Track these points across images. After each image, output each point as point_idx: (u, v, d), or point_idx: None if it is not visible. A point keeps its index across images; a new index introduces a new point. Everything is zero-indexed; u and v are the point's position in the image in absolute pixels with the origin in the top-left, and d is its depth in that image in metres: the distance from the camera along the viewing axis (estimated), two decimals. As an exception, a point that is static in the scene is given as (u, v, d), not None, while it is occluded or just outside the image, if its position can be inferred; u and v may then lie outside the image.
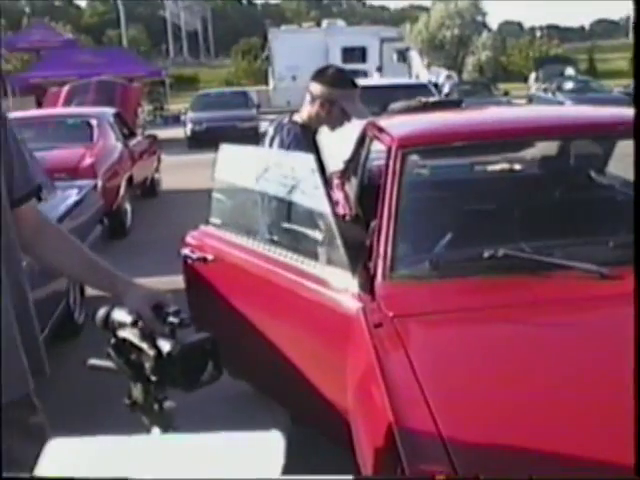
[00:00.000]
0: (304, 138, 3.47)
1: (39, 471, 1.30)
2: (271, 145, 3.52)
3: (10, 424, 1.66)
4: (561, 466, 1.71)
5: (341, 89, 3.51)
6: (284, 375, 3.11)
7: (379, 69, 26.94)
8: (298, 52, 31.03)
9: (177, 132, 21.21)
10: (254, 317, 3.28)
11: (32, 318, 1.80)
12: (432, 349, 2.35)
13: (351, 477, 1.51)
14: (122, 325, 1.82)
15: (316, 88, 3.53)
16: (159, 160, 13.11)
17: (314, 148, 3.49)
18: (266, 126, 3.94)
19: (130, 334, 1.79)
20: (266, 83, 37.21)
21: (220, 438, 1.41)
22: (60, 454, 1.36)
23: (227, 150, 3.69)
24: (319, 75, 3.60)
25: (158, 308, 1.82)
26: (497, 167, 4.13)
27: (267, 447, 1.36)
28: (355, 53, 31.39)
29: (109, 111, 11.44)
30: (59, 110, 14.22)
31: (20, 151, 1.79)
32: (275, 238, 3.30)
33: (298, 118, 3.58)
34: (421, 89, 11.85)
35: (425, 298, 2.61)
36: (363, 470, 2.13)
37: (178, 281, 4.10)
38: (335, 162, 5.02)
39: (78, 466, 1.31)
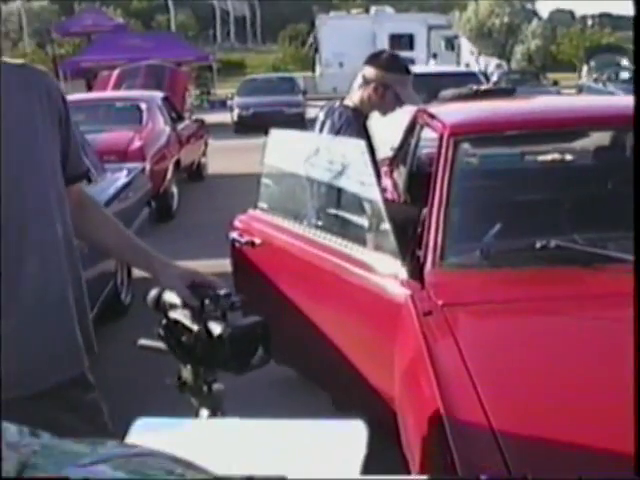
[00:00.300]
0: (355, 122, 3.46)
1: None
2: (321, 130, 3.51)
3: (66, 402, 1.69)
4: (609, 464, 1.68)
5: (396, 74, 3.51)
6: (329, 361, 3.10)
7: (434, 56, 26.69)
8: (345, 39, 30.93)
9: (224, 117, 21.28)
10: (300, 302, 3.28)
11: (84, 297, 1.82)
12: (482, 339, 2.33)
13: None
14: (173, 306, 1.83)
15: (370, 72, 3.52)
16: (206, 144, 13.18)
17: (365, 133, 3.48)
18: (312, 112, 3.94)
19: (181, 315, 1.80)
20: (313, 69, 37.16)
21: (303, 425, 1.41)
22: (145, 433, 1.37)
23: (277, 135, 3.69)
24: (374, 59, 3.60)
25: (204, 290, 1.82)
26: (548, 157, 4.07)
27: (350, 436, 1.35)
28: (403, 40, 31.16)
29: (158, 95, 11.52)
30: (109, 94, 14.35)
31: (74, 133, 1.83)
32: (323, 223, 3.29)
33: (349, 102, 3.57)
34: (470, 77, 11.73)
35: (475, 287, 2.58)
36: (410, 459, 2.12)
37: (224, 264, 4.12)
38: (383, 149, 4.99)
39: (162, 447, 1.32)
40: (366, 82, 3.52)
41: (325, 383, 3.43)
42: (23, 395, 1.57)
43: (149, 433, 1.40)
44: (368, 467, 1.34)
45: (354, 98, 3.57)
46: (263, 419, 1.48)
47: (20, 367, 1.60)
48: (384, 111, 3.60)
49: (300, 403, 3.70)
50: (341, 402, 3.38)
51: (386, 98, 3.52)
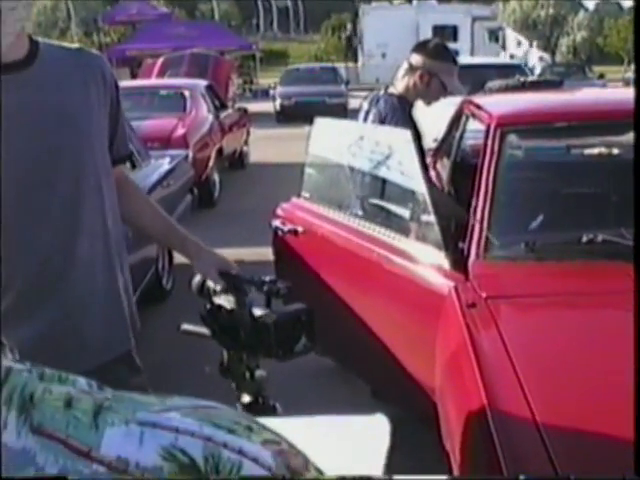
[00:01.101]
0: (401, 110, 3.44)
1: None
2: (366, 119, 3.50)
3: (114, 381, 1.71)
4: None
5: (443, 62, 3.50)
6: (369, 351, 3.10)
7: (503, 47, 26.22)
8: (388, 29, 30.81)
9: (266, 106, 21.35)
10: (342, 291, 3.28)
11: (128, 277, 1.85)
12: (526, 332, 2.31)
13: (445, 477, 1.50)
14: (217, 292, 1.84)
15: (417, 59, 3.50)
16: (248, 133, 13.23)
17: (411, 121, 3.46)
18: (355, 103, 3.95)
19: (225, 301, 1.80)
20: (355, 60, 37.06)
21: (325, 420, 1.41)
22: None
23: (322, 123, 3.68)
24: (421, 47, 3.60)
25: (236, 279, 1.83)
26: (595, 150, 4.01)
27: (373, 430, 1.35)
28: (446, 31, 30.91)
29: (201, 83, 11.58)
30: (154, 81, 14.47)
31: (123, 116, 1.87)
32: (367, 212, 3.28)
33: (394, 90, 3.56)
34: (515, 69, 11.63)
35: (520, 280, 2.56)
36: (450, 451, 2.11)
37: (265, 252, 4.13)
38: (426, 140, 4.96)
39: None
40: (412, 69, 3.51)
41: (364, 373, 3.43)
42: (75, 370, 1.61)
43: None
44: (405, 458, 1.34)
45: (399, 86, 3.56)
46: (286, 417, 1.49)
47: (73, 345, 1.64)
48: (428, 100, 3.57)
49: (339, 392, 3.71)
50: (380, 393, 3.38)
51: (432, 86, 3.50)
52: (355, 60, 36.52)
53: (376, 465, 1.30)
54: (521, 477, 1.59)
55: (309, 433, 1.39)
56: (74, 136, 1.65)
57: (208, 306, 1.83)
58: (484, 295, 2.38)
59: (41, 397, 0.38)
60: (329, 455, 1.31)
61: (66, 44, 1.77)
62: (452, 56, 3.63)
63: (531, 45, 30.13)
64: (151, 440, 0.37)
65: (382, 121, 3.39)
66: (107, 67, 1.81)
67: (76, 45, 1.80)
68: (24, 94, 1.54)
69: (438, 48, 3.61)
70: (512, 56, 25.65)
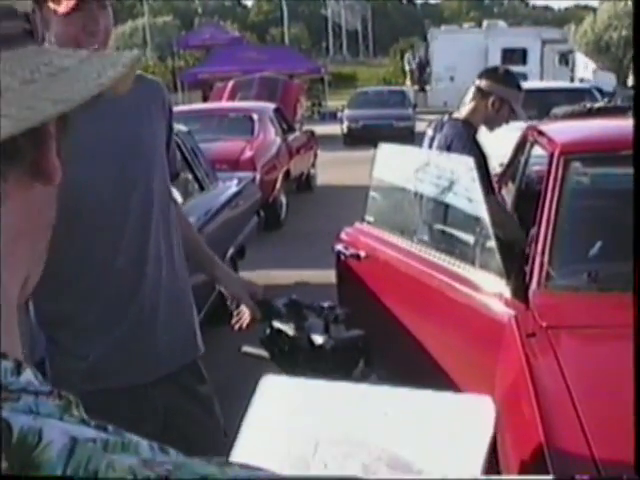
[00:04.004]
0: (466, 134, 3.46)
1: (253, 406, 1.38)
2: (431, 146, 3.52)
3: (183, 388, 1.80)
4: None
5: (513, 89, 3.55)
6: (428, 375, 3.09)
7: (572, 70, 25.60)
8: (457, 53, 30.67)
9: (334, 128, 21.46)
10: (403, 317, 3.28)
11: (191, 296, 1.92)
12: (586, 364, 2.28)
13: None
14: (278, 315, 1.88)
15: (488, 84, 3.53)
16: (315, 155, 13.32)
17: (476, 145, 3.47)
18: (422, 126, 3.98)
19: (285, 326, 1.85)
20: (419, 84, 36.92)
21: (431, 395, 1.42)
22: (272, 391, 1.43)
23: (386, 149, 3.71)
24: (492, 73, 3.65)
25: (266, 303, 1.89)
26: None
27: (478, 411, 1.35)
28: (515, 55, 30.61)
29: (270, 106, 11.72)
30: (223, 104, 14.70)
31: (173, 138, 1.95)
32: (430, 238, 3.30)
33: (459, 115, 3.58)
34: (584, 94, 11.46)
35: (581, 310, 2.53)
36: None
37: (329, 275, 4.17)
38: (492, 164, 4.95)
39: (290, 405, 1.37)
40: (482, 95, 3.53)
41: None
42: (145, 381, 1.69)
43: (276, 391, 1.44)
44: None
45: (464, 111, 3.58)
46: (392, 387, 1.49)
47: (143, 358, 1.72)
48: (493, 126, 3.59)
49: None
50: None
51: (501, 112, 3.53)
52: (418, 84, 36.32)
53: (480, 448, 1.29)
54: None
55: (415, 406, 1.40)
56: (144, 165, 1.74)
57: (268, 330, 1.88)
58: (544, 324, 2.37)
59: (105, 473, 0.39)
60: (435, 431, 1.32)
61: None
62: (518, 83, 3.68)
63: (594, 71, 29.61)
64: None
65: (448, 146, 3.41)
66: (165, 92, 1.89)
67: (138, 72, 1.88)
68: (100, 125, 1.62)
69: (508, 74, 3.68)
70: (582, 80, 25.24)
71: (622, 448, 1.82)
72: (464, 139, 3.42)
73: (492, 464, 2.26)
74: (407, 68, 38.85)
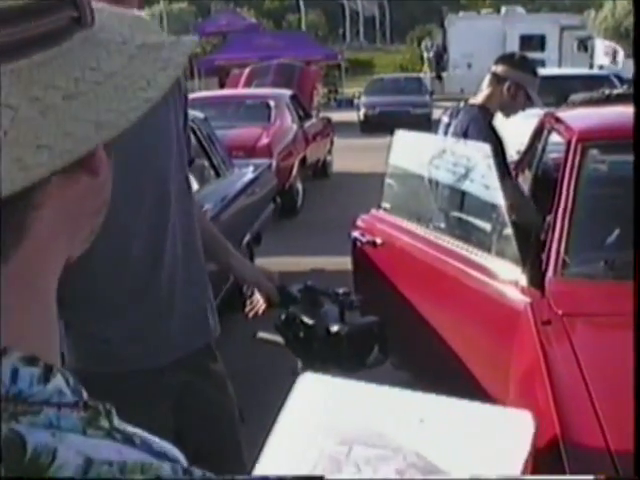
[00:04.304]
0: (483, 120, 3.46)
1: (290, 402, 1.38)
2: (446, 133, 3.51)
3: (198, 369, 1.82)
4: None
5: (529, 74, 3.55)
6: (444, 364, 3.10)
7: (591, 57, 25.44)
8: (475, 39, 30.46)
9: (350, 115, 21.41)
10: (419, 303, 3.29)
11: (207, 281, 1.93)
12: (601, 352, 2.28)
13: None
14: (293, 301, 1.89)
15: (504, 70, 3.53)
16: (332, 142, 13.31)
17: (492, 131, 3.47)
18: (439, 113, 3.99)
19: (300, 312, 1.85)
20: (435, 71, 36.70)
21: (470, 405, 1.42)
22: (310, 389, 1.43)
23: (402, 136, 3.70)
24: (508, 58, 3.66)
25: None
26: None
27: (517, 425, 1.35)
28: (533, 41, 30.38)
29: (286, 93, 11.71)
30: (239, 91, 14.71)
31: (188, 125, 1.95)
32: (446, 226, 3.29)
33: (475, 101, 3.58)
34: (603, 80, 11.37)
35: (597, 298, 2.52)
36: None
37: (345, 262, 4.17)
38: (509, 151, 4.94)
39: (327, 404, 1.37)
40: (498, 80, 3.53)
41: (438, 385, 3.41)
42: (161, 364, 1.71)
43: (314, 390, 1.45)
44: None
45: (481, 97, 3.58)
46: (430, 394, 1.49)
47: (159, 342, 1.74)
48: (509, 112, 3.59)
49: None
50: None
51: (518, 98, 3.53)
52: (435, 71, 36.10)
53: (516, 463, 1.28)
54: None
55: (453, 415, 1.39)
56: (162, 150, 1.74)
57: (283, 316, 1.88)
58: (560, 312, 2.37)
59: None
60: (471, 443, 1.31)
61: None
62: (535, 69, 3.66)
63: (615, 56, 29.22)
64: None
65: (464, 132, 3.41)
66: (182, 78, 1.90)
67: None
68: None
69: (525, 61, 3.68)
70: (601, 67, 25.00)
71: (638, 440, 1.81)
72: (480, 124, 3.42)
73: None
74: (425, 55, 38.62)
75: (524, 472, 1.27)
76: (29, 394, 0.41)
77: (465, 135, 3.40)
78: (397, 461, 1.28)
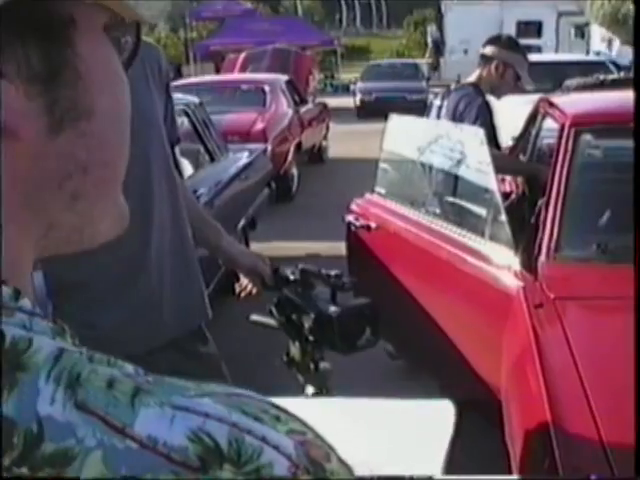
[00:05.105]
0: (477, 96, 3.49)
1: None
2: (439, 115, 3.53)
3: (188, 352, 1.82)
4: None
5: (516, 53, 3.60)
6: (437, 347, 3.11)
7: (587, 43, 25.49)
8: (471, 25, 30.38)
9: (346, 101, 21.38)
10: (412, 287, 3.30)
11: (197, 265, 1.93)
12: (593, 336, 2.29)
13: (516, 477, 1.50)
14: (286, 283, 1.89)
15: (491, 50, 3.59)
16: (328, 128, 13.29)
17: (486, 109, 3.50)
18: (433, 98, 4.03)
19: (292, 294, 1.86)
20: (434, 56, 36.65)
21: (390, 404, 1.44)
22: None
23: (396, 120, 3.70)
24: (494, 39, 3.77)
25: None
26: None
27: (437, 415, 1.37)
28: (530, 27, 30.35)
29: (282, 78, 11.68)
30: (235, 76, 14.65)
31: (172, 105, 1.95)
32: (439, 210, 3.30)
33: (465, 83, 3.62)
34: (599, 66, 11.36)
35: (590, 282, 2.53)
36: (511, 451, 2.11)
37: (340, 247, 4.18)
38: (504, 137, 4.94)
39: None
40: (486, 60, 3.57)
41: (431, 368, 3.44)
42: (150, 348, 1.71)
43: None
44: (470, 450, 1.35)
45: (470, 78, 3.62)
46: (355, 398, 1.52)
47: (150, 325, 1.74)
48: (500, 93, 3.64)
49: (406, 387, 3.72)
50: (447, 388, 3.38)
51: (506, 77, 3.57)
52: (437, 58, 36.04)
53: (438, 450, 1.31)
54: (592, 477, 1.58)
55: (376, 414, 1.42)
56: (144, 128, 1.72)
57: (276, 298, 1.89)
58: (552, 296, 2.38)
59: (87, 377, 0.41)
60: (393, 437, 1.34)
61: None
62: (524, 50, 3.73)
63: (610, 42, 29.17)
64: (181, 422, 0.40)
65: (455, 107, 3.45)
66: (163, 58, 1.89)
67: None
68: None
69: (512, 40, 3.76)
70: (598, 53, 24.95)
71: (628, 421, 1.82)
72: (471, 97, 3.48)
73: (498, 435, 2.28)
74: (429, 39, 38.55)
75: (449, 453, 1.31)
76: (2, 302, 0.43)
77: (456, 110, 3.43)
78: None
